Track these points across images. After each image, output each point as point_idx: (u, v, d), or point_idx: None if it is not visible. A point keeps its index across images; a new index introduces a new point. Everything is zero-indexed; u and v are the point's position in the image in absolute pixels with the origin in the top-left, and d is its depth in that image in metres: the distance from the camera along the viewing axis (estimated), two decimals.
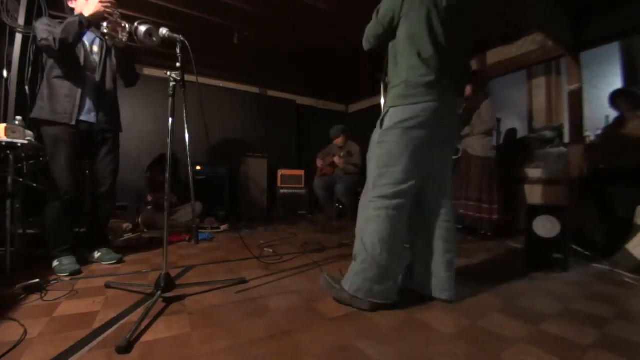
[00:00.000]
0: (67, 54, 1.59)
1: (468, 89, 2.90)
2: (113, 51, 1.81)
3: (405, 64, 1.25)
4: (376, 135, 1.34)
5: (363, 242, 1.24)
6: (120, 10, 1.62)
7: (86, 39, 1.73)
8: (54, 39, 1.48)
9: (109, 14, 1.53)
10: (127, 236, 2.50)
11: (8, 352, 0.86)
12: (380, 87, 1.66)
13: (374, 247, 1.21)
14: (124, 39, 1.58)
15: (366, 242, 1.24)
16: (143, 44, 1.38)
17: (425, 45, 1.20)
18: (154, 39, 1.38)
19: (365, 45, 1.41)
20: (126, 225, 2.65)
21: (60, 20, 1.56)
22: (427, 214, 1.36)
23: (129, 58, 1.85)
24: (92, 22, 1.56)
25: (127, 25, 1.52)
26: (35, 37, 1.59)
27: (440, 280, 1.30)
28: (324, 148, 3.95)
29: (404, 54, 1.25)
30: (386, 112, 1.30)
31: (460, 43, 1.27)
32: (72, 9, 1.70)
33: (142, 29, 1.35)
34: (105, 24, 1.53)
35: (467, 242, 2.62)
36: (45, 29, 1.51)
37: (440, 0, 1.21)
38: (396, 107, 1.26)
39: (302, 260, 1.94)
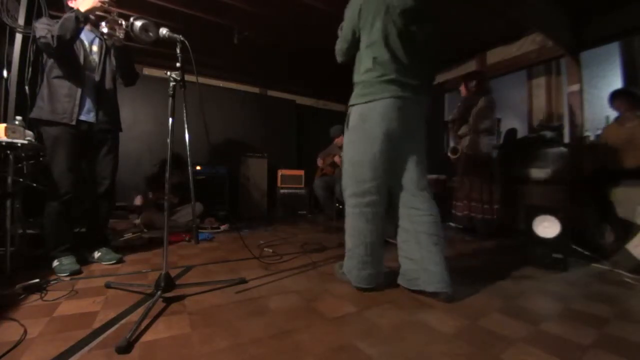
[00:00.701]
0: (65, 51, 1.59)
1: (463, 90, 2.91)
2: (112, 51, 1.81)
3: (364, 67, 1.38)
4: (345, 136, 1.46)
5: (346, 236, 1.44)
6: (121, 10, 1.63)
7: (85, 39, 1.73)
8: (52, 36, 1.48)
9: (105, 10, 1.53)
10: (127, 236, 2.50)
11: (8, 352, 0.86)
12: None
13: (353, 241, 1.40)
14: (121, 35, 1.58)
15: (347, 237, 1.43)
16: (140, 40, 1.38)
17: (381, 51, 1.33)
18: (150, 34, 1.37)
19: (338, 58, 1.55)
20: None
21: (58, 20, 1.56)
22: (406, 209, 1.41)
23: (128, 57, 1.85)
24: (89, 18, 1.56)
25: (123, 23, 1.52)
26: (35, 37, 1.59)
27: (430, 273, 1.33)
28: (325, 148, 3.95)
29: (364, 60, 1.39)
30: (349, 113, 1.43)
31: (420, 49, 1.37)
32: (72, 9, 1.70)
33: (138, 24, 1.35)
34: (103, 23, 1.53)
35: (467, 242, 2.62)
36: (44, 27, 1.51)
37: (394, 14, 1.32)
38: (356, 105, 1.38)
39: (302, 260, 1.94)
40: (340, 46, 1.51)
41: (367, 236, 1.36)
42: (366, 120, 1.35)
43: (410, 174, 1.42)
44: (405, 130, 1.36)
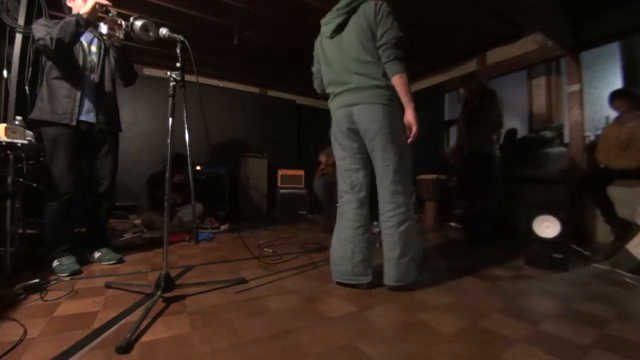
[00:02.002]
0: (64, 54, 1.58)
1: (463, 92, 2.90)
2: (111, 51, 1.81)
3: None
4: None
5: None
6: (121, 10, 1.62)
7: (84, 40, 1.73)
8: (51, 39, 1.47)
9: (104, 12, 1.52)
10: (127, 236, 2.50)
11: (8, 352, 0.86)
12: None
13: (333, 239, 1.54)
14: (121, 36, 1.58)
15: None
16: (140, 40, 1.38)
17: (324, 72, 1.60)
18: (151, 33, 1.37)
19: (317, 91, 1.72)
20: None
21: (57, 21, 1.55)
22: (378, 206, 1.48)
23: (127, 57, 1.85)
24: (90, 22, 1.54)
25: (123, 23, 1.52)
26: (34, 38, 1.59)
27: (386, 265, 1.42)
28: (327, 147, 3.92)
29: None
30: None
31: (345, 59, 1.49)
32: (70, 8, 1.69)
33: (138, 23, 1.35)
34: (102, 23, 1.52)
35: (467, 241, 2.62)
36: (43, 29, 1.50)
37: (324, 38, 1.57)
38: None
39: (302, 260, 1.94)
40: (315, 84, 1.72)
41: (340, 234, 1.53)
42: (332, 126, 1.60)
43: (378, 172, 1.52)
44: (357, 128, 1.48)
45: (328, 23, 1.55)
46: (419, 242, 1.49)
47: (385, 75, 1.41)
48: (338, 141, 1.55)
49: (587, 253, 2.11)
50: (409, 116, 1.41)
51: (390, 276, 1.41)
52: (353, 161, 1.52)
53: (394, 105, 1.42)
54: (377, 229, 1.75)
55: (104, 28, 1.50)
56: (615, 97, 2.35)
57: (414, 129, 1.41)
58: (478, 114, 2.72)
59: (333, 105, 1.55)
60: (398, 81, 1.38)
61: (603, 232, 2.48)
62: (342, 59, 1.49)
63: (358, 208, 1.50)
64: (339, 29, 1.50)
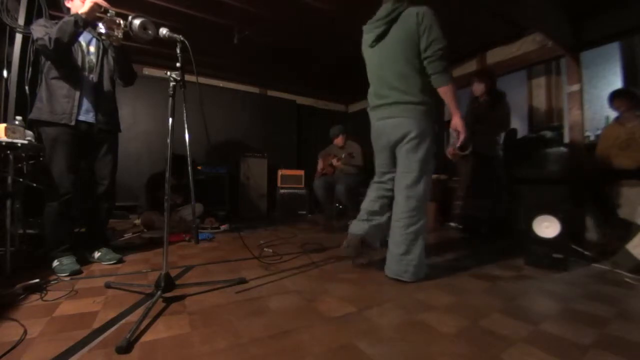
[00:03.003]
0: (63, 54, 1.58)
1: (476, 89, 2.86)
2: (110, 51, 1.81)
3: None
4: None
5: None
6: (120, 10, 1.62)
7: (83, 40, 1.73)
8: (49, 39, 1.47)
9: (102, 12, 1.51)
10: (127, 236, 2.50)
11: (8, 352, 0.86)
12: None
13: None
14: (120, 35, 1.58)
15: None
16: (139, 38, 1.38)
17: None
18: (149, 32, 1.37)
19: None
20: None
21: (56, 21, 1.54)
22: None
23: (126, 57, 1.85)
24: (89, 23, 1.54)
25: (121, 22, 1.51)
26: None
27: (389, 259, 1.55)
28: (325, 148, 3.94)
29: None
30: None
31: (385, 71, 1.58)
32: (69, 9, 1.69)
33: (136, 22, 1.35)
34: (101, 23, 1.52)
35: (467, 241, 2.62)
36: (41, 29, 1.50)
37: (366, 46, 1.66)
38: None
39: (302, 260, 1.94)
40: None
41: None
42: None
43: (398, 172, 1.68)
44: (388, 136, 1.63)
45: (369, 32, 1.62)
46: (423, 245, 1.54)
47: (422, 90, 1.49)
48: (376, 148, 1.75)
49: (587, 253, 2.11)
50: (457, 122, 1.50)
51: (391, 269, 1.54)
52: (386, 164, 1.72)
53: (425, 119, 1.51)
54: None
55: (102, 28, 1.50)
56: (615, 97, 2.35)
57: (462, 135, 1.51)
58: (486, 113, 2.71)
59: (373, 115, 1.70)
60: (446, 91, 1.45)
61: (602, 232, 2.47)
62: (382, 70, 1.57)
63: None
64: (379, 38, 1.56)
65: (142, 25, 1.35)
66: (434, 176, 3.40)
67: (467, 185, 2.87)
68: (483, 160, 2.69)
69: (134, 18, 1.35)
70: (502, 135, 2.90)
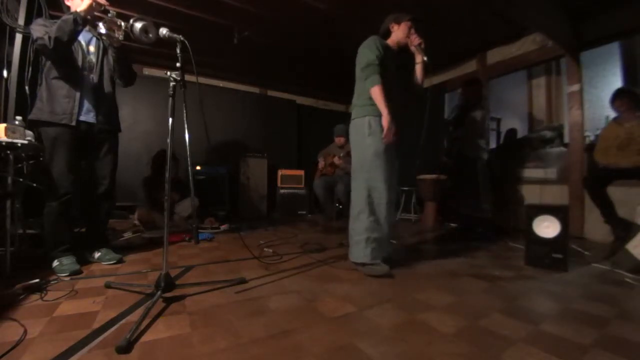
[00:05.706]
0: (62, 53, 1.58)
1: (463, 94, 2.99)
2: (109, 51, 1.81)
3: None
4: None
5: None
6: (120, 11, 1.62)
7: (83, 39, 1.72)
8: (49, 38, 1.46)
9: (103, 11, 1.51)
10: (127, 236, 2.50)
11: (8, 352, 0.86)
12: None
13: None
14: (120, 37, 1.57)
15: None
16: (139, 41, 1.38)
17: None
18: (150, 35, 1.37)
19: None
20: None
21: (55, 21, 1.53)
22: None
23: (126, 57, 1.85)
24: (88, 21, 1.53)
25: (122, 24, 1.51)
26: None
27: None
28: (324, 148, 3.94)
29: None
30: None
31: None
32: (69, 7, 1.69)
33: (138, 25, 1.34)
34: (101, 24, 1.51)
35: (466, 241, 2.62)
36: (41, 29, 1.50)
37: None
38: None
39: (302, 260, 1.94)
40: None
41: None
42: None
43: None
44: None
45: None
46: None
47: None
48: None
49: (587, 253, 2.11)
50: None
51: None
52: None
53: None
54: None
55: (102, 28, 1.50)
56: (616, 97, 2.35)
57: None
58: (466, 120, 2.80)
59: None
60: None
61: (603, 232, 2.48)
62: None
63: None
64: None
65: (143, 28, 1.35)
66: (434, 176, 3.43)
67: (461, 187, 2.91)
68: (465, 162, 2.79)
69: (135, 21, 1.35)
70: (489, 139, 3.01)
